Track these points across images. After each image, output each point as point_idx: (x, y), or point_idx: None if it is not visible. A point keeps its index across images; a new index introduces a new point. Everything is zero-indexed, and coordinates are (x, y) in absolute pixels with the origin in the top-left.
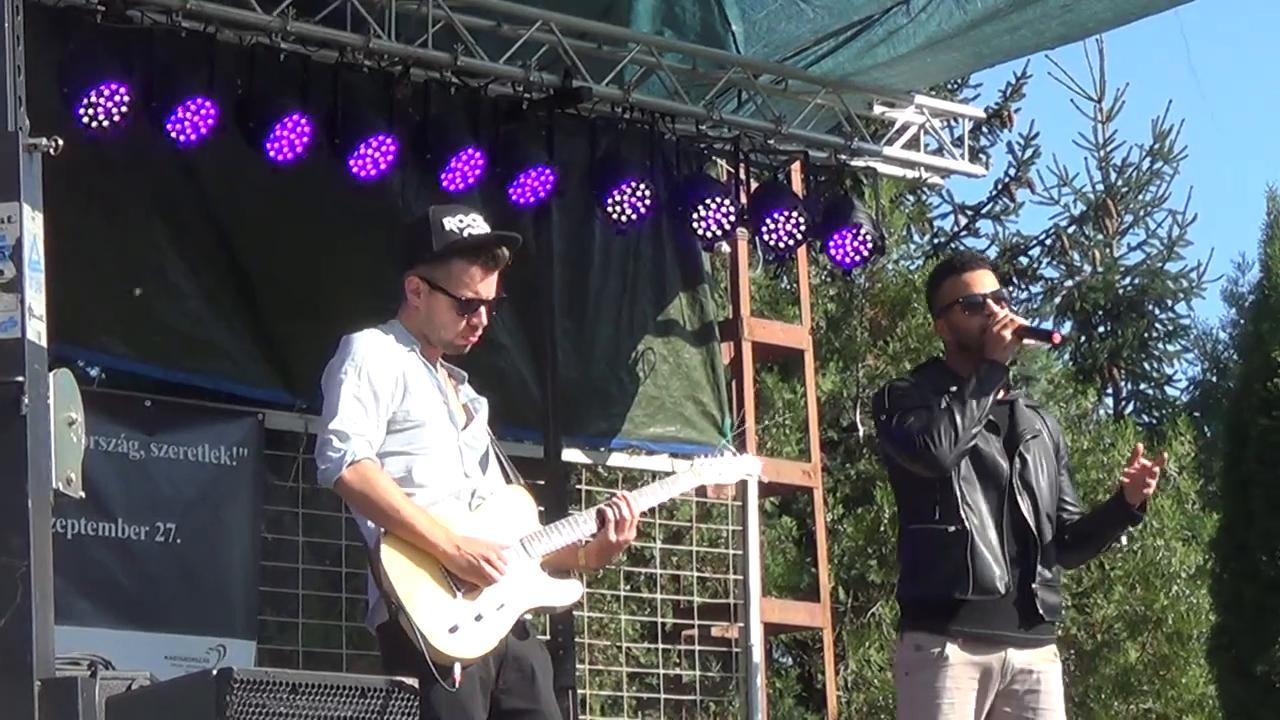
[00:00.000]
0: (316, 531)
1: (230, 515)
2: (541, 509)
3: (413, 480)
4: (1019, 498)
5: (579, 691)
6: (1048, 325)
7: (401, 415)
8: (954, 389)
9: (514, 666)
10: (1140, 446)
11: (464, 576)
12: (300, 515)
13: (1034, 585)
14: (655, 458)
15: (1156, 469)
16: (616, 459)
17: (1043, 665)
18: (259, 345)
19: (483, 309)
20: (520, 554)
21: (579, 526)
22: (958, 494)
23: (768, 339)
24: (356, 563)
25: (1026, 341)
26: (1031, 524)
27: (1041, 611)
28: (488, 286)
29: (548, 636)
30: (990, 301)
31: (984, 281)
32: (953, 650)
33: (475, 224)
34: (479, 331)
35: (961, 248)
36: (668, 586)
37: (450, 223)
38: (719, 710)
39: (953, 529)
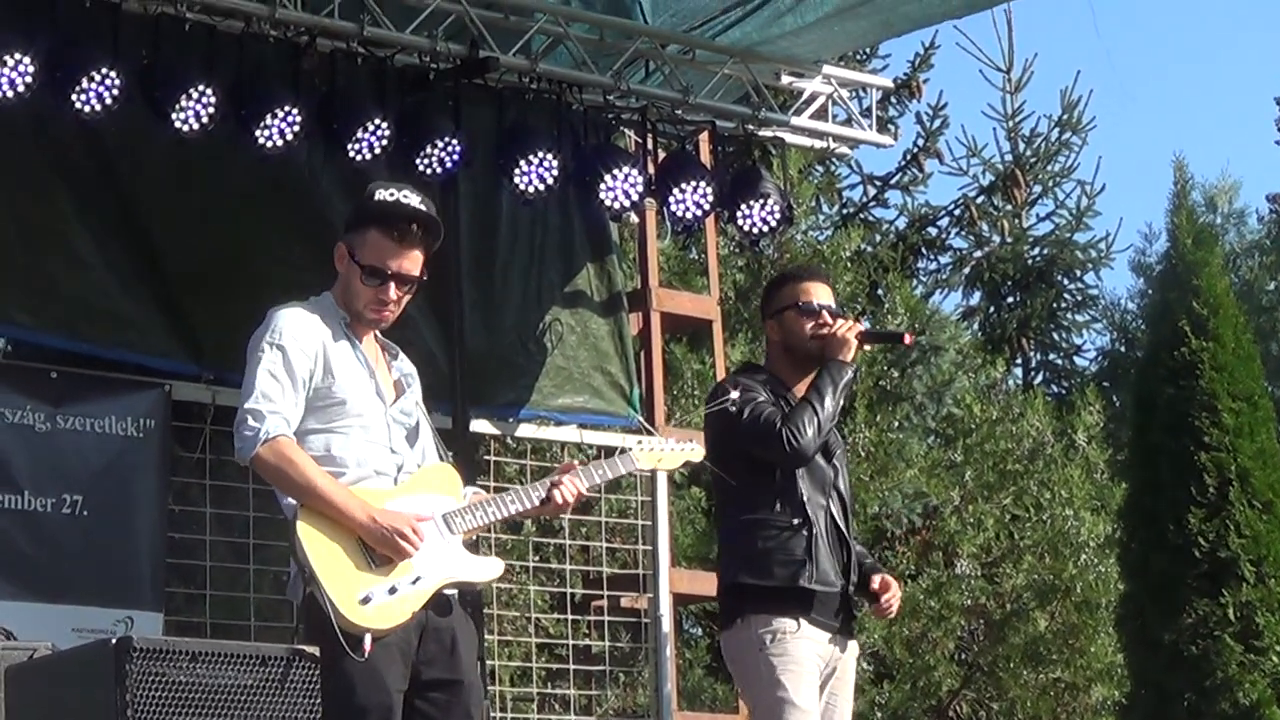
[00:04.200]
0: (223, 503)
1: (137, 487)
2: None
3: (332, 458)
4: (834, 502)
5: (488, 662)
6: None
7: (323, 392)
8: (815, 382)
9: (434, 638)
10: (884, 580)
11: (379, 549)
12: (207, 487)
13: (850, 585)
14: (563, 428)
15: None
16: (525, 430)
17: (849, 659)
18: (165, 316)
19: (391, 284)
20: (440, 529)
21: (505, 505)
22: (801, 490)
23: (676, 309)
24: (263, 534)
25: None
26: (843, 526)
27: (854, 610)
28: (399, 261)
29: None
30: (826, 314)
31: (822, 293)
32: (806, 627)
33: (405, 197)
34: (388, 308)
35: (870, 218)
36: (577, 557)
37: (381, 194)
38: (628, 681)
39: (797, 521)
